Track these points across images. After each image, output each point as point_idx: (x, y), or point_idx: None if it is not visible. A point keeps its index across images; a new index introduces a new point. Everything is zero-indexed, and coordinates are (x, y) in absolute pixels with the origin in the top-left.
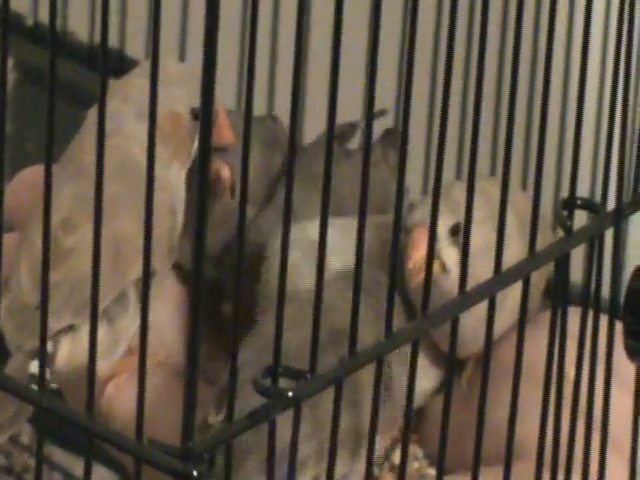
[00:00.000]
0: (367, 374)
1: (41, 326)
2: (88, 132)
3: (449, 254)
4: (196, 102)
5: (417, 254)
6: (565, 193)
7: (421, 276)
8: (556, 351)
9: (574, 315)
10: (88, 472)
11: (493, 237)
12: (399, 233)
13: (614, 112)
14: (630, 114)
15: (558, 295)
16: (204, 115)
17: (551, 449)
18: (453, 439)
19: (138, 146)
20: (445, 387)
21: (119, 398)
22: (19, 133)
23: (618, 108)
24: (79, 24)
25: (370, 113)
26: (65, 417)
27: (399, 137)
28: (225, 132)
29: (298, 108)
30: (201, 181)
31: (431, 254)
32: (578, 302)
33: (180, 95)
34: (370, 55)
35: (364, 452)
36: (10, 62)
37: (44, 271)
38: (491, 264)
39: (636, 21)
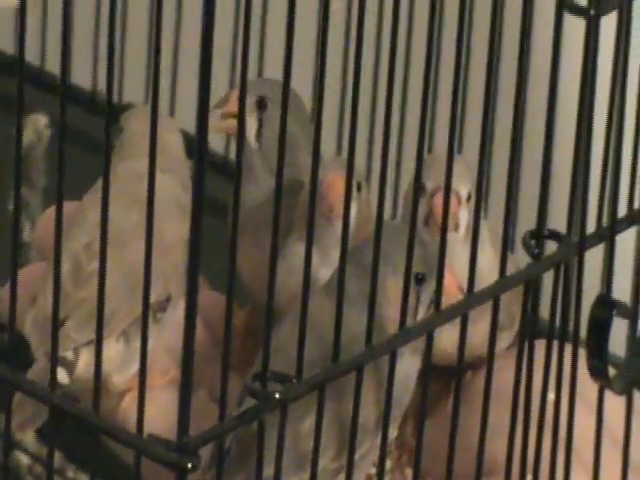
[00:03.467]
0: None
1: (52, 334)
2: (115, 162)
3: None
4: None
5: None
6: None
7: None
8: (524, 375)
9: (543, 345)
10: (95, 470)
11: None
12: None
13: (578, 155)
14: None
15: (526, 319)
16: (199, 129)
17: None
18: (442, 456)
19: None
20: (422, 400)
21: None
22: (54, 184)
23: (582, 150)
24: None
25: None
26: (73, 414)
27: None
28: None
29: None
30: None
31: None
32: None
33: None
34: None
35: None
36: (45, 119)
37: (55, 285)
38: None
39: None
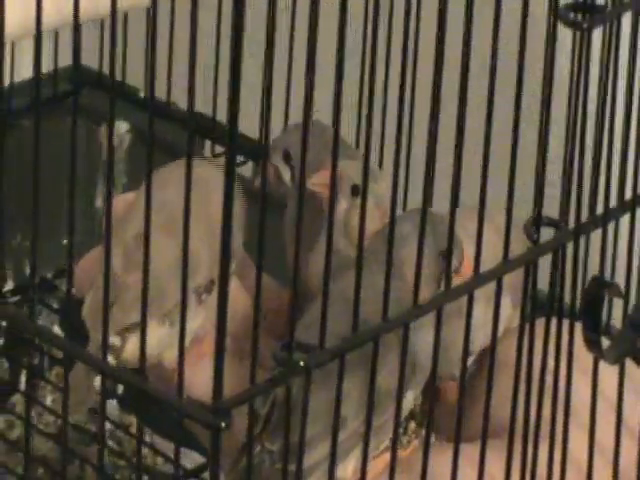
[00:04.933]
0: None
1: (103, 318)
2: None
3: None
4: None
5: None
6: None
7: None
8: (525, 349)
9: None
10: (140, 427)
11: None
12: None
13: (574, 145)
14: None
15: (526, 297)
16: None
17: (532, 427)
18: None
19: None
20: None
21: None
22: (132, 182)
23: (577, 140)
24: (181, 95)
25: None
26: (124, 381)
27: None
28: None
29: None
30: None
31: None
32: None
33: None
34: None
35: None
36: (126, 126)
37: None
38: None
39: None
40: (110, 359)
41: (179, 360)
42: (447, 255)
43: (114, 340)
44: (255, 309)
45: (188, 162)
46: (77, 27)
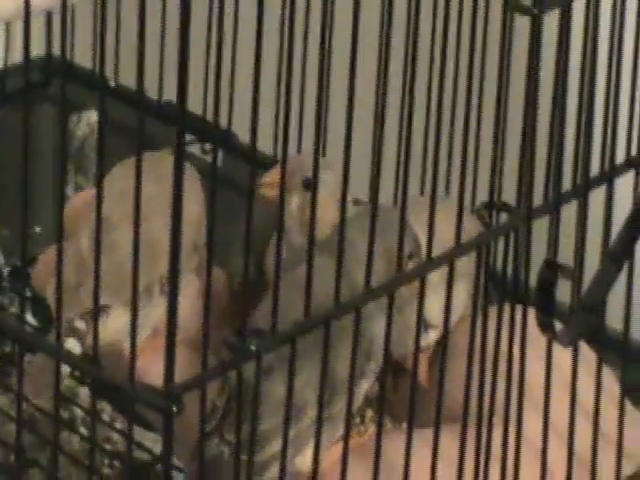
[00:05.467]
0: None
1: (57, 302)
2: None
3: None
4: None
5: None
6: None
7: None
8: (479, 331)
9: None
10: (94, 407)
11: None
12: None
13: (527, 131)
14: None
15: (479, 281)
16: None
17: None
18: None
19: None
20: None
21: (145, 370)
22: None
23: (529, 126)
24: (152, 85)
25: None
26: (78, 367)
27: None
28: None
29: None
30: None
31: None
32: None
33: None
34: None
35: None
36: (96, 116)
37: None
38: None
39: None
40: (75, 344)
41: (131, 346)
42: (399, 241)
43: (79, 324)
44: (206, 293)
45: (138, 147)
46: (27, 18)
